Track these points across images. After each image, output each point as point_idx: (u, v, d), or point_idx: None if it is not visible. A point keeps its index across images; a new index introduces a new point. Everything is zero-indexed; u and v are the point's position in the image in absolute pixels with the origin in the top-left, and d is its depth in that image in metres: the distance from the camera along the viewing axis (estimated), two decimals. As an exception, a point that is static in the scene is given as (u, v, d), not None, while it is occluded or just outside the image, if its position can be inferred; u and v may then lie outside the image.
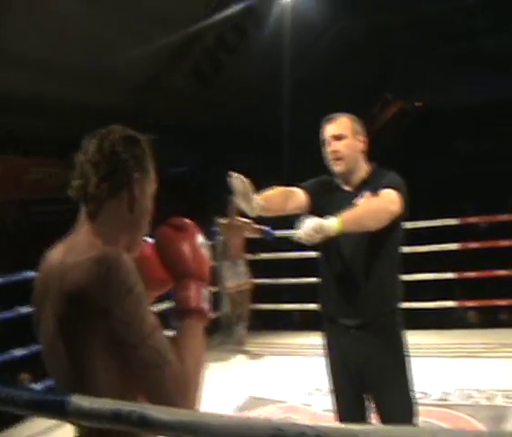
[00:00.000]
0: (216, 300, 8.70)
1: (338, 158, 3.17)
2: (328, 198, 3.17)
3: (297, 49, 14.78)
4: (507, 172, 18.66)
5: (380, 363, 3.17)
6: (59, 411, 1.39)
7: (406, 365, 3.22)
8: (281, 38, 14.42)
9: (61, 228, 1.85)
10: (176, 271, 1.73)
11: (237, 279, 7.96)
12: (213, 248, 8.72)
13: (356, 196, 3.14)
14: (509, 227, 7.70)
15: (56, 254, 1.69)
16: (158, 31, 12.54)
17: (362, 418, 3.25)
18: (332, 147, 3.18)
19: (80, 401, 1.37)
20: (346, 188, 3.22)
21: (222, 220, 8.05)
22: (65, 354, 1.59)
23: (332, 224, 2.76)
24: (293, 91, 15.08)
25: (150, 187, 1.79)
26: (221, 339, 8.38)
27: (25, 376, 7.87)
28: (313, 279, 7.12)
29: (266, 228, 7.77)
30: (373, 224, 2.96)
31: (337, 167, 3.19)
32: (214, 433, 1.17)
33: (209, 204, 10.64)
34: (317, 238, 2.75)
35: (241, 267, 8.02)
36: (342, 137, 3.17)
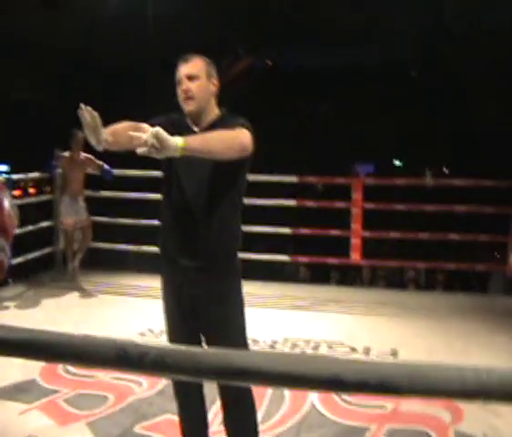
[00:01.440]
0: (51, 236, 8.48)
1: (189, 97, 3.14)
2: (175, 136, 3.02)
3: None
4: (348, 138, 19.41)
5: (215, 307, 3.21)
6: None
7: (242, 310, 3.30)
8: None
9: None
10: None
11: (75, 215, 7.73)
12: (52, 181, 8.47)
13: None
14: (345, 189, 8.06)
15: None
16: None
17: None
18: (183, 86, 3.15)
19: None
20: (195, 128, 3.19)
21: (64, 153, 7.79)
22: None
23: (175, 141, 2.71)
24: (144, 29, 14.81)
25: None
26: (54, 275, 8.20)
27: None
28: (151, 222, 7.16)
29: (106, 167, 7.62)
30: (223, 148, 2.94)
31: (188, 107, 3.16)
32: (59, 351, 1.15)
33: (52, 134, 10.25)
34: (158, 150, 2.67)
35: (80, 203, 7.82)
36: (195, 77, 3.14)
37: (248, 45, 24.46)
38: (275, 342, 5.78)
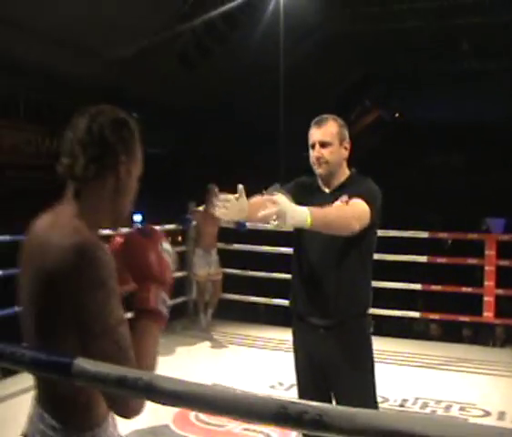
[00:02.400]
0: (184, 286, 8.74)
1: (321, 163, 3.24)
2: (308, 199, 3.09)
3: (284, 46, 14.88)
4: (477, 191, 18.91)
5: (345, 365, 3.23)
6: (64, 371, 1.44)
7: (371, 369, 3.30)
8: (269, 35, 14.53)
9: (35, 195, 1.88)
10: (138, 274, 1.79)
11: (208, 267, 7.97)
12: (186, 234, 8.75)
13: (334, 198, 3.18)
14: (474, 244, 7.87)
15: (43, 226, 1.74)
16: (149, 11, 12.54)
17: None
18: (316, 153, 3.23)
19: (84, 364, 1.42)
20: (326, 190, 3.29)
21: (198, 208, 8.06)
22: (33, 321, 1.69)
23: (303, 217, 2.73)
24: (277, 86, 15.15)
25: (137, 168, 1.86)
26: (185, 324, 8.42)
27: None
28: (282, 275, 7.25)
29: (240, 220, 7.79)
30: (335, 231, 3.01)
31: (319, 170, 3.25)
32: (220, 407, 1.23)
33: (184, 188, 10.64)
34: (287, 224, 2.72)
35: (213, 256, 8.04)
36: (328, 144, 3.22)
37: (376, 98, 24.47)
38: (405, 401, 5.69)
